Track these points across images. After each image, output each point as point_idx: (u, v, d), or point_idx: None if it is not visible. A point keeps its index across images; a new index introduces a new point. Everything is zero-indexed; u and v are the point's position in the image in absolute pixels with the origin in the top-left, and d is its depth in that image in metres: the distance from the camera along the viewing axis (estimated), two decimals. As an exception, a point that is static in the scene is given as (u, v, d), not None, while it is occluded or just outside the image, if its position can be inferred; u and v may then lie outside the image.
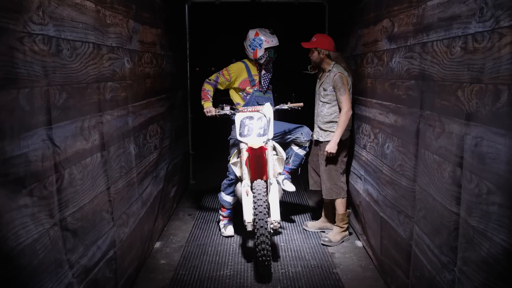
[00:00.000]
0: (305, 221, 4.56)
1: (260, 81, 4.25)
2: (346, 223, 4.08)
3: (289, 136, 4.22)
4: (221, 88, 4.24)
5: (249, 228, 3.39)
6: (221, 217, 4.33)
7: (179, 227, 4.50)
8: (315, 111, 4.12)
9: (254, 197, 3.42)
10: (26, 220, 1.74)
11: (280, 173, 3.88)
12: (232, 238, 4.19)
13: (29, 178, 1.77)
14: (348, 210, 4.17)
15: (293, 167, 4.30)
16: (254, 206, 3.37)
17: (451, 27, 2.16)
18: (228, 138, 4.30)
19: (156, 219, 3.93)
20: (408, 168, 2.77)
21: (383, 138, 3.32)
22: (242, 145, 3.79)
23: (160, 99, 4.17)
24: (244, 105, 4.19)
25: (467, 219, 1.95)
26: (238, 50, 4.50)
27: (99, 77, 2.56)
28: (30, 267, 1.75)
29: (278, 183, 3.78)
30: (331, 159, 3.98)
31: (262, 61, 4.17)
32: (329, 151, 3.87)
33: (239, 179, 3.85)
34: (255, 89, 4.23)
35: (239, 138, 3.79)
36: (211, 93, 4.11)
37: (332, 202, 4.13)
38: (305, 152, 4.27)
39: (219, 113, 3.98)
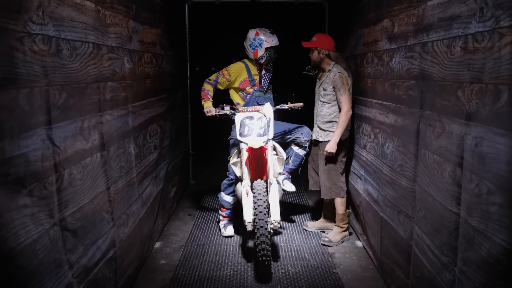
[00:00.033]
0: (305, 221, 4.56)
1: (260, 81, 4.24)
2: (346, 223, 4.08)
3: (289, 136, 4.21)
4: (221, 88, 4.24)
5: (249, 228, 3.39)
6: (221, 217, 4.33)
7: (179, 227, 4.50)
8: (315, 111, 4.13)
9: (254, 197, 3.42)
10: (26, 220, 1.74)
11: (280, 173, 3.88)
12: (232, 238, 4.19)
13: (29, 178, 1.77)
14: (348, 210, 4.17)
15: (293, 167, 4.30)
16: (254, 206, 3.37)
17: (451, 27, 2.16)
18: (228, 138, 4.30)
19: (156, 219, 3.93)
20: (408, 168, 2.76)
21: (383, 138, 3.32)
22: (242, 145, 3.79)
23: (160, 99, 4.17)
24: (244, 105, 4.19)
25: (467, 219, 1.95)
26: (238, 50, 4.50)
27: (99, 77, 2.56)
28: (30, 267, 1.75)
29: (278, 183, 3.78)
30: (331, 159, 3.98)
31: (262, 61, 4.17)
32: (328, 151, 3.87)
33: (239, 179, 3.85)
34: (255, 89, 4.23)
35: (239, 138, 3.79)
36: (211, 93, 4.11)
37: (332, 202, 4.13)
38: (305, 152, 4.27)
39: (219, 113, 3.98)
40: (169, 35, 4.58)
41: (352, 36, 4.33)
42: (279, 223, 3.39)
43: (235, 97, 4.33)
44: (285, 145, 4.23)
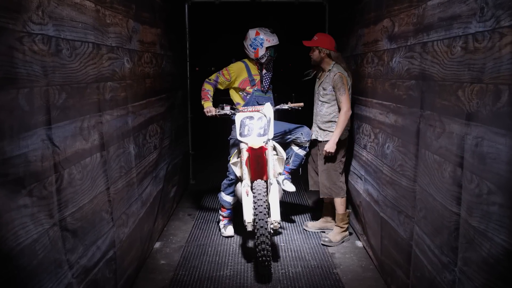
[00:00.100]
0: (305, 221, 4.55)
1: (261, 81, 4.24)
2: (346, 223, 4.08)
3: (289, 136, 4.21)
4: (221, 88, 4.24)
5: (249, 228, 3.38)
6: (221, 217, 4.32)
7: (179, 227, 4.49)
8: (314, 110, 4.13)
9: (254, 197, 3.42)
10: (26, 220, 1.74)
11: (280, 173, 3.88)
12: (232, 238, 4.18)
13: (28, 178, 1.77)
14: (348, 210, 4.17)
15: (293, 167, 4.29)
16: (254, 206, 3.37)
17: (451, 26, 2.15)
18: (228, 138, 4.30)
19: (156, 219, 3.93)
20: (409, 168, 2.76)
21: (383, 138, 3.31)
22: (242, 145, 3.79)
23: (160, 99, 4.17)
24: (244, 105, 4.19)
25: (468, 219, 1.95)
26: (238, 50, 4.49)
27: (99, 77, 2.56)
28: (29, 268, 1.75)
29: (278, 183, 3.78)
30: (330, 159, 3.98)
31: (263, 60, 4.17)
32: (327, 151, 3.88)
33: (239, 179, 3.85)
34: (255, 88, 4.23)
35: (239, 138, 3.79)
36: (211, 93, 4.11)
37: (332, 202, 4.13)
38: (305, 152, 4.26)
39: (219, 113, 3.98)
40: (169, 35, 4.58)
41: (352, 36, 4.33)
42: (279, 223, 3.39)
43: (235, 97, 4.32)
44: (285, 145, 4.23)
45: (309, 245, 4.03)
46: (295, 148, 4.27)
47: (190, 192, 5.71)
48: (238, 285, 3.32)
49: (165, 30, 4.39)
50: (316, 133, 4.09)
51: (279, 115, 4.51)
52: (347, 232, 4.11)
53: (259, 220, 3.28)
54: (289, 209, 4.90)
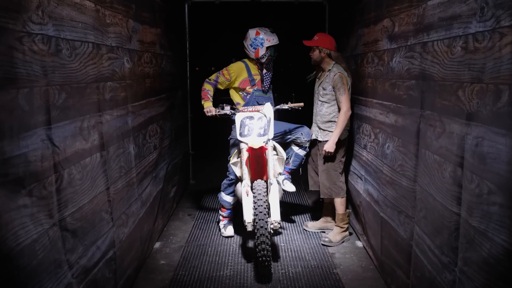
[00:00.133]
0: (305, 221, 4.55)
1: (262, 80, 4.24)
2: (346, 223, 4.08)
3: (289, 136, 4.21)
4: (221, 88, 4.24)
5: (249, 228, 3.38)
6: (221, 217, 4.32)
7: (179, 227, 4.49)
8: (314, 110, 4.13)
9: (254, 197, 3.42)
10: (26, 220, 1.74)
11: (280, 173, 3.87)
12: (232, 238, 4.18)
13: (28, 178, 1.77)
14: (348, 210, 4.17)
15: (293, 167, 4.29)
16: (254, 206, 3.37)
17: (451, 26, 2.15)
18: (228, 138, 4.29)
19: (155, 219, 3.92)
20: (409, 168, 2.76)
21: (383, 138, 3.31)
22: (242, 145, 3.78)
23: (160, 99, 4.17)
24: (244, 105, 4.19)
25: (468, 219, 1.95)
26: (238, 50, 4.49)
27: (99, 77, 2.56)
28: (29, 268, 1.75)
29: (278, 183, 3.78)
30: (330, 159, 3.98)
31: (263, 60, 4.17)
32: (327, 150, 3.88)
33: (239, 179, 3.84)
34: (255, 88, 4.23)
35: (239, 138, 3.78)
36: (211, 93, 4.11)
37: (332, 202, 4.13)
38: (305, 152, 4.26)
39: (219, 113, 3.97)
40: (169, 34, 4.57)
41: (352, 36, 4.33)
42: (279, 223, 3.39)
43: (235, 97, 4.32)
44: (285, 145, 4.23)
45: (309, 245, 4.03)
46: (295, 148, 4.26)
47: (190, 192, 5.71)
48: (238, 285, 3.32)
49: (165, 30, 4.39)
50: (316, 133, 4.09)
51: (279, 115, 4.51)
52: (347, 232, 4.11)
53: (259, 220, 3.28)
54: (289, 209, 4.90)
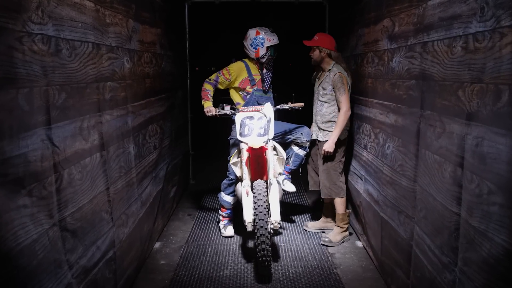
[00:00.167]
0: (305, 221, 4.55)
1: (262, 80, 4.24)
2: (346, 223, 4.08)
3: (289, 136, 4.21)
4: (221, 87, 4.24)
5: (249, 228, 3.38)
6: (221, 217, 4.32)
7: (178, 228, 4.49)
8: (314, 110, 4.13)
9: (254, 197, 3.41)
10: (25, 220, 1.74)
11: (280, 173, 3.87)
12: (232, 238, 4.18)
13: (28, 178, 1.77)
14: (348, 210, 4.17)
15: (293, 168, 4.29)
16: (254, 206, 3.37)
17: (451, 26, 2.15)
18: (228, 138, 4.29)
19: (155, 219, 3.92)
20: (409, 168, 2.76)
21: (383, 138, 3.31)
22: (242, 145, 3.78)
23: (160, 99, 4.17)
24: (244, 105, 4.19)
25: (468, 219, 1.94)
26: (238, 50, 4.49)
27: (99, 77, 2.55)
28: (29, 268, 1.75)
29: (278, 183, 3.77)
30: (329, 159, 3.98)
31: (264, 60, 4.17)
32: (326, 150, 3.88)
33: (239, 179, 3.84)
34: (255, 88, 4.22)
35: (239, 138, 3.78)
36: (211, 92, 4.10)
37: (332, 202, 4.13)
38: (305, 152, 4.26)
39: (219, 113, 3.97)
40: (169, 34, 4.57)
41: (352, 35, 4.33)
42: (279, 223, 3.39)
43: (235, 96, 4.32)
44: (285, 145, 4.22)
45: (309, 245, 4.03)
46: (295, 148, 4.26)
47: (190, 192, 5.71)
48: (238, 285, 3.31)
49: (165, 30, 4.39)
50: (315, 133, 4.09)
51: (279, 115, 4.51)
52: (347, 232, 4.11)
53: (259, 220, 3.28)
54: (289, 209, 4.90)
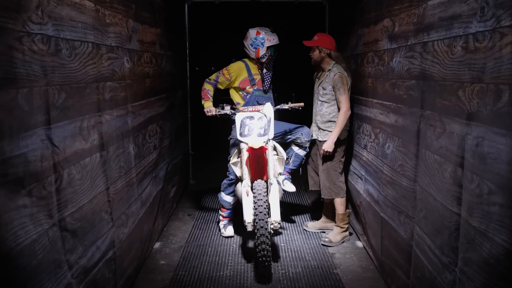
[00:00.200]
0: (305, 221, 4.55)
1: (262, 80, 4.24)
2: (346, 223, 4.07)
3: (289, 136, 4.21)
4: (221, 87, 4.24)
5: (249, 228, 3.38)
6: (221, 217, 4.32)
7: (178, 228, 4.49)
8: (314, 110, 4.13)
9: (254, 197, 3.41)
10: (25, 220, 1.74)
11: (280, 173, 3.87)
12: (232, 238, 4.18)
13: (28, 178, 1.77)
14: (348, 210, 4.16)
15: (293, 168, 4.29)
16: (254, 206, 3.37)
17: (452, 26, 2.15)
18: (228, 138, 4.29)
19: (155, 219, 3.92)
20: (409, 168, 2.76)
21: (383, 138, 3.31)
22: (242, 145, 3.78)
23: (160, 99, 4.17)
24: (244, 105, 4.18)
25: (468, 219, 1.94)
26: (238, 50, 4.49)
27: (98, 76, 2.55)
28: (29, 268, 1.75)
29: (279, 183, 3.77)
30: (329, 159, 3.98)
31: (264, 60, 4.17)
32: (325, 150, 3.88)
33: (239, 179, 3.84)
34: (255, 88, 4.22)
35: (239, 138, 3.78)
36: (211, 92, 4.10)
37: (332, 202, 4.13)
38: (306, 152, 4.26)
39: (219, 113, 3.97)
40: (168, 34, 4.57)
41: (352, 35, 4.32)
42: (279, 223, 3.39)
43: (235, 96, 4.32)
44: (285, 145, 4.22)
45: (309, 245, 4.02)
46: (295, 148, 4.26)
47: (190, 192, 5.70)
48: (238, 286, 3.31)
49: (165, 29, 4.39)
50: (315, 133, 4.09)
51: (279, 115, 4.51)
52: (347, 232, 4.11)
53: (259, 220, 3.28)
54: (289, 209, 4.89)
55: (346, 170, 4.22)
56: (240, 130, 3.78)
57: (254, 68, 4.24)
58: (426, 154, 2.47)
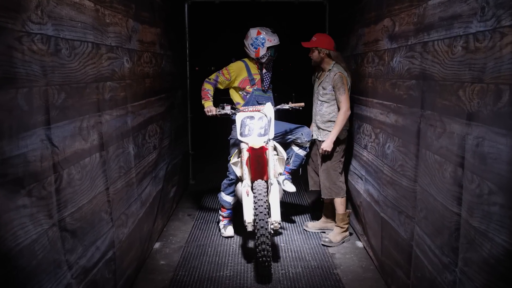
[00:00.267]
0: (305, 221, 4.55)
1: (262, 80, 4.24)
2: (346, 223, 4.07)
3: (289, 136, 4.20)
4: (221, 87, 4.23)
5: (249, 228, 3.38)
6: (221, 218, 4.32)
7: (178, 228, 4.48)
8: (314, 110, 4.13)
9: (254, 197, 3.41)
10: (25, 220, 1.73)
11: (280, 174, 3.87)
12: (232, 238, 4.18)
13: (27, 178, 1.76)
14: (348, 210, 4.16)
15: (293, 168, 4.28)
16: (254, 206, 3.36)
17: (452, 26, 2.15)
18: (229, 138, 4.29)
19: (155, 219, 3.92)
20: (409, 168, 2.75)
21: (384, 138, 3.31)
22: (242, 145, 3.78)
23: (160, 99, 4.16)
24: (244, 104, 4.18)
25: (468, 219, 1.94)
26: (238, 49, 4.49)
27: (98, 76, 2.55)
28: (28, 268, 1.74)
29: (279, 183, 3.77)
30: (329, 158, 3.97)
31: (264, 60, 4.16)
32: (324, 149, 3.88)
33: (239, 179, 3.84)
34: (255, 88, 4.22)
35: (239, 138, 3.78)
36: (211, 92, 4.10)
37: (332, 202, 4.13)
38: (306, 152, 4.26)
39: (219, 113, 3.97)
40: (168, 34, 4.57)
41: (352, 35, 4.32)
42: (279, 223, 3.38)
43: (235, 96, 4.32)
44: (286, 145, 4.22)
45: (309, 246, 4.02)
46: (295, 148, 4.26)
47: (190, 192, 5.70)
48: (238, 286, 3.31)
49: (164, 29, 4.38)
50: (315, 133, 4.09)
51: (280, 115, 4.51)
52: (347, 233, 4.11)
53: (260, 220, 3.28)
54: (289, 209, 4.89)
55: (346, 170, 4.22)
56: (240, 130, 3.78)
57: (254, 68, 4.24)
58: (427, 154, 2.47)
